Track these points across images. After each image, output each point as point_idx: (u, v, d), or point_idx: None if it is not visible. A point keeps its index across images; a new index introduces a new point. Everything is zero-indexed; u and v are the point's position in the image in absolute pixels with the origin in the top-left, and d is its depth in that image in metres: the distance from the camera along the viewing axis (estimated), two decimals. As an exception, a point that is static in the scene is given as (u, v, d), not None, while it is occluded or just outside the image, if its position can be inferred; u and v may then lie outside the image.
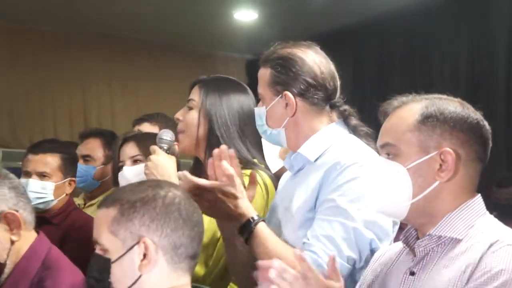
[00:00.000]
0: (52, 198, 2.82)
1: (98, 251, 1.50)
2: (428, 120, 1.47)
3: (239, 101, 2.20)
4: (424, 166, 1.45)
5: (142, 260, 1.46)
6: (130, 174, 2.41)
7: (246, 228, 1.76)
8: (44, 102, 6.14)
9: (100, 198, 3.02)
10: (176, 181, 1.99)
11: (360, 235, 1.72)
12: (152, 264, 1.46)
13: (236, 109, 2.18)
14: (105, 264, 1.47)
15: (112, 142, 3.27)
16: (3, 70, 5.88)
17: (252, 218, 1.76)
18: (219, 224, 1.91)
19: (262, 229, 1.76)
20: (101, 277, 1.47)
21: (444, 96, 1.53)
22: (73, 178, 2.90)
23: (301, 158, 1.90)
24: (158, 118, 3.03)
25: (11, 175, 1.94)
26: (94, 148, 3.23)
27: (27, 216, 1.89)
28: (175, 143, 2.23)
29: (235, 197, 1.76)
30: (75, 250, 2.16)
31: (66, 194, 2.90)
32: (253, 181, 1.85)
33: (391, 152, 1.49)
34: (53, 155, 2.83)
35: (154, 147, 2.13)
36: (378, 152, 1.91)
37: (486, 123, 1.51)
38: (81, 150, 3.22)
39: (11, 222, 1.85)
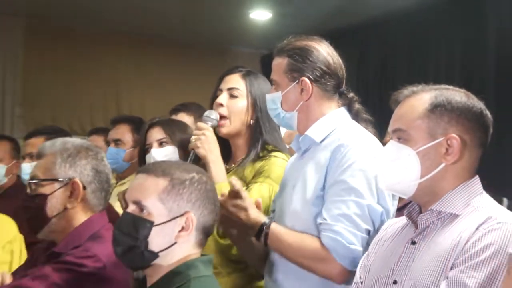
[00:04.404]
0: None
1: (133, 210, 1.50)
2: (437, 108, 1.46)
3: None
4: (432, 150, 1.45)
5: (180, 231, 1.49)
6: (159, 155, 2.38)
7: (262, 233, 1.80)
8: (82, 95, 6.15)
9: (131, 177, 3.03)
10: (219, 158, 2.06)
11: (372, 210, 1.73)
12: (189, 237, 1.50)
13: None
14: (146, 225, 1.47)
15: (140, 127, 3.28)
16: (46, 68, 5.90)
17: (264, 223, 1.80)
18: (232, 238, 1.96)
19: (274, 227, 1.80)
20: (136, 235, 1.47)
21: (451, 87, 1.53)
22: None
23: (308, 140, 1.90)
24: (193, 108, 2.96)
25: (104, 160, 1.90)
26: (124, 133, 3.21)
27: (92, 199, 1.85)
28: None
29: (245, 209, 1.80)
30: None
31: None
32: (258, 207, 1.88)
33: (402, 136, 1.49)
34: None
35: (204, 124, 2.12)
36: (378, 135, 1.93)
37: (488, 112, 1.51)
38: (112, 134, 3.21)
39: (73, 191, 1.82)
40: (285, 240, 1.78)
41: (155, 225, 1.47)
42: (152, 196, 1.49)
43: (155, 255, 1.48)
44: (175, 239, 1.48)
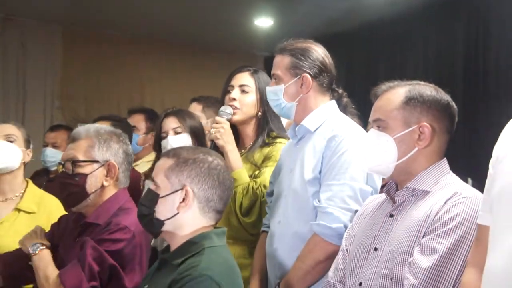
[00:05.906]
0: None
1: (151, 187, 1.52)
2: (410, 101, 1.46)
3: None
4: (406, 136, 1.46)
5: (181, 202, 1.48)
6: (174, 141, 2.39)
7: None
8: (111, 90, 6.12)
9: (144, 159, 3.04)
10: (235, 148, 2.04)
11: (363, 192, 1.73)
12: (188, 207, 1.48)
13: None
14: (154, 197, 1.49)
15: (152, 117, 3.27)
16: (81, 66, 5.88)
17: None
18: None
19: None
20: (149, 206, 1.50)
21: (422, 82, 1.53)
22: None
23: (304, 129, 1.89)
24: (207, 100, 2.89)
25: (129, 145, 1.91)
26: (139, 121, 3.22)
27: (121, 178, 1.86)
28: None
29: None
30: None
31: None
32: None
33: (381, 125, 1.49)
34: (104, 122, 2.84)
35: (222, 119, 2.12)
36: (362, 125, 1.93)
37: (454, 104, 1.51)
38: (129, 122, 3.20)
39: (109, 171, 1.83)
40: (295, 269, 1.75)
41: (161, 197, 1.48)
42: (161, 173, 1.50)
43: (161, 222, 1.48)
44: (176, 210, 1.48)
